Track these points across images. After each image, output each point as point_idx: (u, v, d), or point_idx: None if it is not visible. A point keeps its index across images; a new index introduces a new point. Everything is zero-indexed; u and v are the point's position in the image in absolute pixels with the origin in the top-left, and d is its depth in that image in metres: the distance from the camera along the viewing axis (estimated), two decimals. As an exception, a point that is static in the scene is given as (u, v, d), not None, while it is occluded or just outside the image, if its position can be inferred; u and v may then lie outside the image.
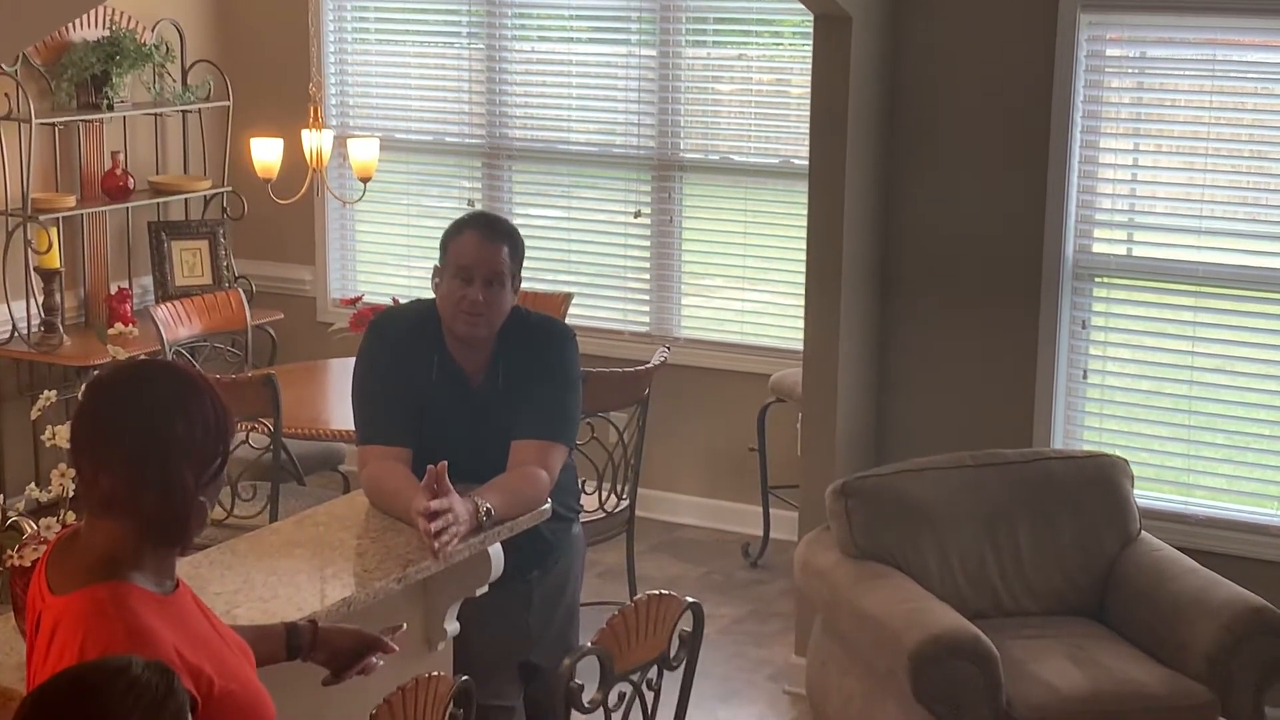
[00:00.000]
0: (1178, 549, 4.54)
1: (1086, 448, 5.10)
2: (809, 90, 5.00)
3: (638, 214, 6.59)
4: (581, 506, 4.04)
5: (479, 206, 6.71)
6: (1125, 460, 4.67)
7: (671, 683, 3.16)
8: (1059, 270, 5.10)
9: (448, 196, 7.00)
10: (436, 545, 3.27)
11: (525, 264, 3.78)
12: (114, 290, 6.58)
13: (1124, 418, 5.22)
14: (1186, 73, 5.09)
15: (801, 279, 5.14)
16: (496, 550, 3.51)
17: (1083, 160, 5.10)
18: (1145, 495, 4.87)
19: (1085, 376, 5.21)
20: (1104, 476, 4.58)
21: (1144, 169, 5.24)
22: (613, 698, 3.00)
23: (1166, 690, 4.10)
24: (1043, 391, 5.15)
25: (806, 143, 5.04)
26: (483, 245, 3.64)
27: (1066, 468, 4.60)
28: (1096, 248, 5.17)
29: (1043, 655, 4.17)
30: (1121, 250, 5.21)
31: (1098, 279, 5.18)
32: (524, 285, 3.84)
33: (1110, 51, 5.12)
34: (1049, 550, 4.50)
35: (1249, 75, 5.08)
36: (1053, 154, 5.05)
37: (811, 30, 4.95)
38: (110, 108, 6.43)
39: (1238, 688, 4.11)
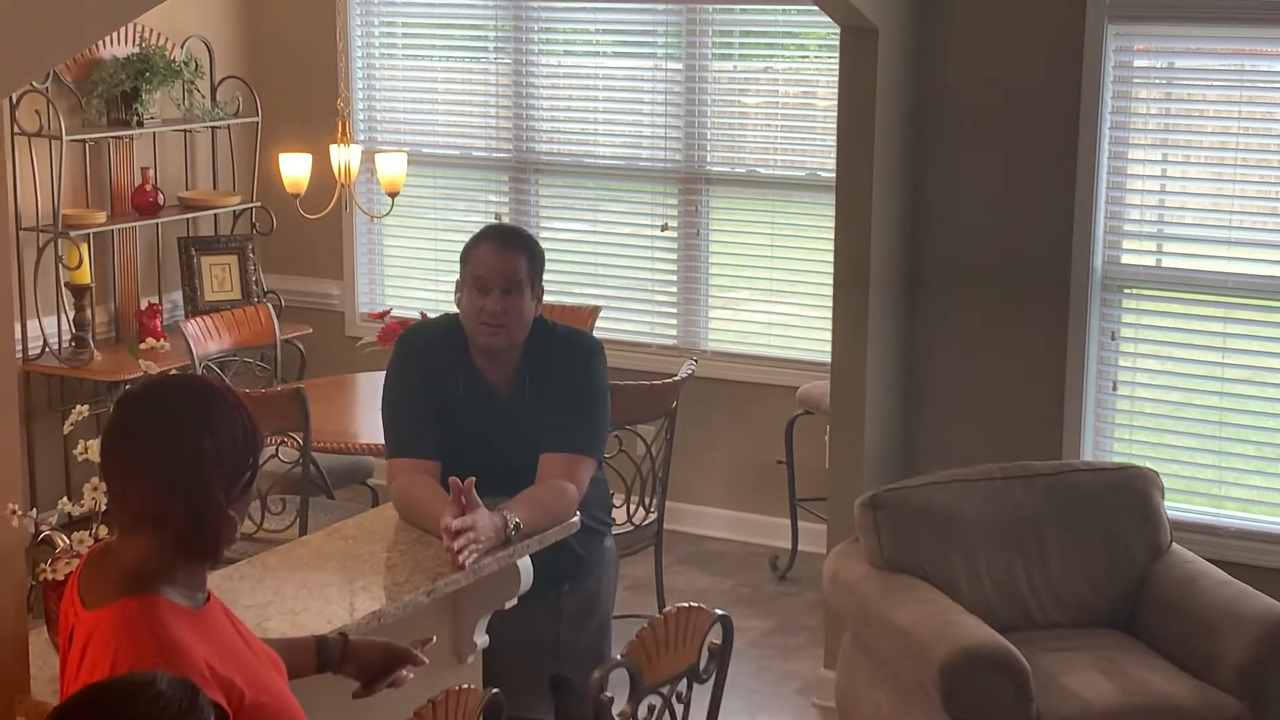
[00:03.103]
0: (1208, 561, 4.51)
1: (1116, 459, 5.09)
2: (835, 103, 5.00)
3: (664, 227, 6.59)
4: (613, 520, 4.05)
5: (506, 220, 6.73)
6: (1155, 472, 4.64)
7: (701, 695, 3.16)
8: (1088, 281, 5.09)
9: (474, 211, 7.01)
10: (459, 560, 3.28)
11: (552, 277, 3.79)
12: (144, 305, 6.61)
13: (1154, 429, 5.20)
14: (1215, 83, 5.08)
15: (829, 291, 5.14)
16: (525, 563, 3.52)
17: (1111, 171, 5.09)
18: (1175, 507, 4.85)
19: (1115, 388, 5.19)
20: (1134, 488, 4.56)
21: (1173, 179, 5.22)
22: (642, 710, 3.00)
23: (1197, 703, 4.07)
24: (1072, 403, 5.13)
25: (833, 155, 5.04)
26: (498, 255, 3.66)
27: (1096, 479, 4.58)
28: (1125, 259, 5.16)
29: (1073, 668, 4.15)
30: (1151, 261, 5.19)
31: (1127, 290, 5.16)
32: (551, 298, 3.85)
33: (1138, 62, 5.11)
34: (1079, 562, 4.48)
35: (1278, 85, 5.07)
36: (1081, 165, 5.04)
37: (838, 43, 4.95)
38: (140, 124, 6.46)
39: (1270, 700, 4.08)
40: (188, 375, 2.79)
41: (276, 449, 4.81)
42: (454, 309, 3.79)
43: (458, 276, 3.73)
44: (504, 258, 3.66)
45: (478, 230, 3.80)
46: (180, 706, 1.90)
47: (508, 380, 3.71)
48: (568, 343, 3.76)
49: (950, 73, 5.11)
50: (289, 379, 6.30)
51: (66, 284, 6.23)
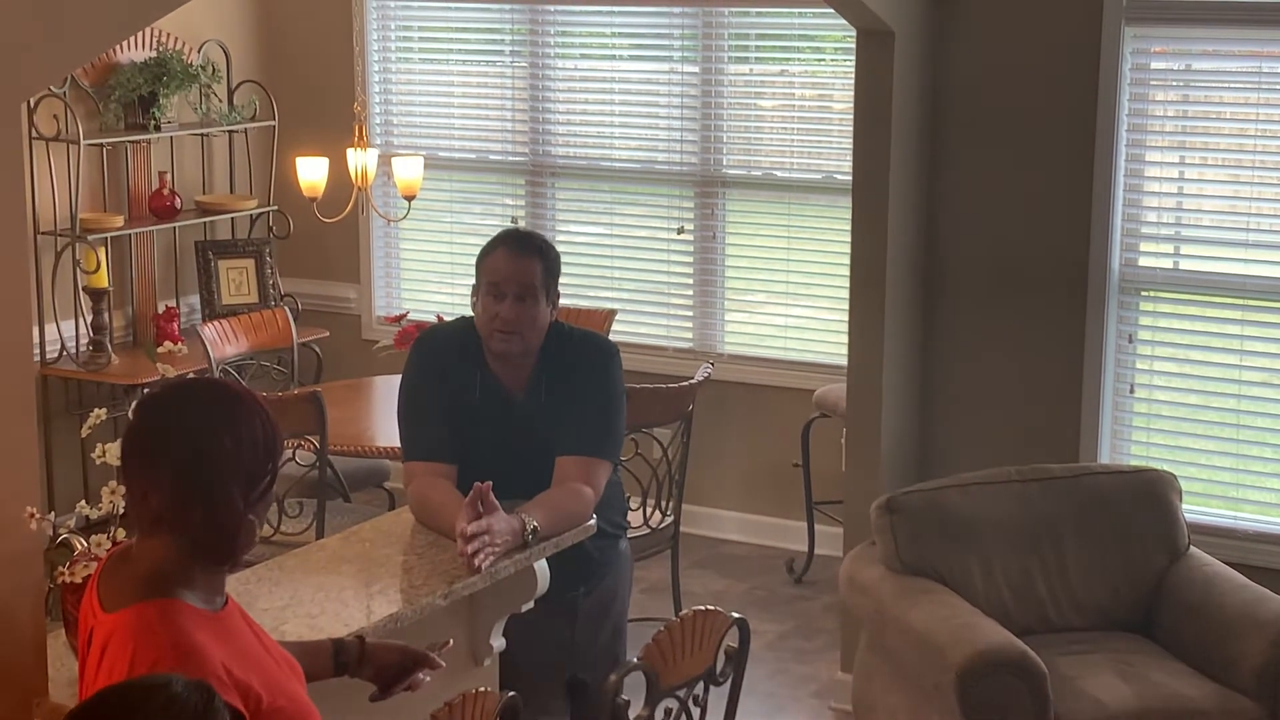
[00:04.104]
0: (1227, 564, 4.50)
1: (1134, 462, 5.07)
2: (851, 105, 5.00)
3: (681, 230, 6.59)
4: (628, 523, 4.04)
5: (522, 224, 6.73)
6: (1173, 475, 4.63)
7: (717, 699, 3.16)
8: (1105, 284, 5.08)
9: (491, 214, 7.02)
10: (474, 563, 3.29)
11: (568, 281, 3.78)
12: (161, 309, 6.63)
13: (1172, 432, 5.19)
14: (1232, 85, 5.07)
15: (845, 294, 5.13)
16: (542, 567, 3.52)
17: (1128, 173, 5.08)
18: (1193, 510, 4.83)
19: (1132, 390, 5.17)
20: (1152, 491, 4.55)
21: (1190, 182, 5.21)
22: (659, 714, 3.00)
23: (1215, 706, 4.06)
24: (1089, 406, 5.12)
25: (849, 158, 5.04)
26: (513, 260, 3.66)
27: (1114, 483, 4.57)
28: (1143, 261, 5.14)
29: (1090, 671, 4.14)
30: (1168, 263, 5.17)
31: (1144, 292, 5.15)
32: (567, 302, 3.85)
33: (1155, 64, 5.09)
34: (1096, 566, 4.47)
35: (1295, 87, 5.06)
36: (1098, 167, 5.03)
37: (854, 46, 4.95)
38: (157, 128, 6.48)
39: (1289, 704, 4.07)
40: (206, 379, 2.81)
41: (293, 452, 4.82)
42: (470, 313, 3.79)
43: (474, 281, 3.74)
44: (518, 264, 3.66)
45: (494, 235, 3.80)
46: (195, 709, 1.90)
47: (523, 383, 3.71)
48: (584, 346, 3.76)
49: (966, 75, 5.10)
50: (306, 382, 6.32)
51: (84, 288, 6.25)
